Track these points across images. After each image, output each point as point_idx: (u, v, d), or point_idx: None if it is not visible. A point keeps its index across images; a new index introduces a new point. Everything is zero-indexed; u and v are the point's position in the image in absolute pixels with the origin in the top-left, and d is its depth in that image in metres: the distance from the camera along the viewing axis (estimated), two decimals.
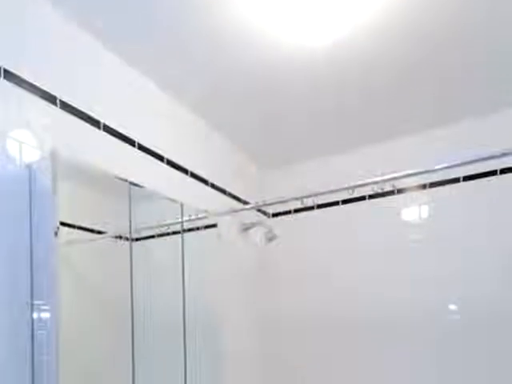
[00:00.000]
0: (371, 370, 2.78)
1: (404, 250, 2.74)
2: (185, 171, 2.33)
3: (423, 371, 2.61)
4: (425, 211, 2.72)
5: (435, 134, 2.69)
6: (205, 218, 2.24)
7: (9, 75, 1.45)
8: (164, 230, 1.98)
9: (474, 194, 2.56)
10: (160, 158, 2.15)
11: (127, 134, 1.95)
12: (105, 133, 1.83)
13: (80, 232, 1.51)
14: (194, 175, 2.41)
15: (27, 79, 1.51)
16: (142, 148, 2.03)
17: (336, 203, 2.98)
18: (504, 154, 1.80)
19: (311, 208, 3.03)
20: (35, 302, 1.41)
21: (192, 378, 2.01)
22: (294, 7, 1.68)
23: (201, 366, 2.11)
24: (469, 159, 1.87)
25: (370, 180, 2.12)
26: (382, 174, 2.13)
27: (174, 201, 2.04)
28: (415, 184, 2.68)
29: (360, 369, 2.82)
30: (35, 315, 1.41)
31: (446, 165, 1.93)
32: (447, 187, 2.63)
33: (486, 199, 2.53)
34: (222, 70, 2.09)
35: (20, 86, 1.48)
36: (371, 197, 2.81)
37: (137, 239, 1.77)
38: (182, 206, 2.08)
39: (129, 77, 2.02)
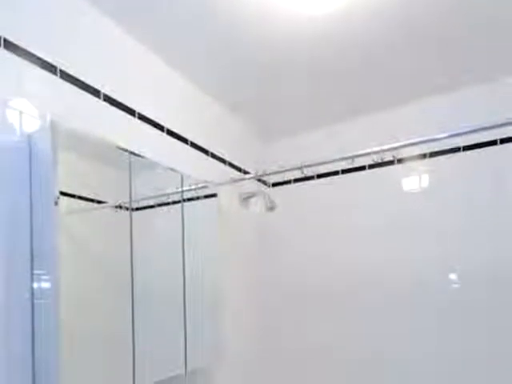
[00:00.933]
0: (371, 334, 2.82)
1: (404, 219, 2.76)
2: (185, 141, 2.33)
3: (423, 337, 2.65)
4: (425, 181, 2.73)
5: (436, 103, 2.68)
6: (205, 187, 2.25)
7: (9, 45, 1.44)
8: (164, 199, 1.99)
9: (475, 164, 2.56)
10: (160, 127, 2.15)
11: (127, 104, 1.95)
12: (105, 103, 1.83)
13: (80, 202, 1.52)
14: (194, 145, 2.41)
15: (27, 49, 1.50)
16: (142, 118, 2.03)
17: (336, 173, 2.99)
18: (504, 124, 1.80)
19: (311, 178, 3.04)
20: (35, 272, 1.42)
21: (192, 346, 2.05)
22: None
23: (201, 333, 2.14)
24: (469, 129, 1.86)
25: (369, 150, 2.12)
26: (382, 144, 2.12)
27: (174, 170, 2.05)
28: (415, 153, 2.68)
29: (360, 333, 2.86)
30: (35, 285, 1.42)
31: (446, 134, 1.92)
32: (448, 157, 2.63)
33: (486, 169, 2.53)
34: (220, 39, 2.07)
35: (20, 55, 1.48)
36: (371, 166, 2.81)
37: (137, 209, 1.77)
38: (182, 175, 2.09)
39: (129, 47, 2.01)
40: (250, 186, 2.95)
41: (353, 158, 2.16)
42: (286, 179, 3.18)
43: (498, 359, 2.43)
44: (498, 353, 2.44)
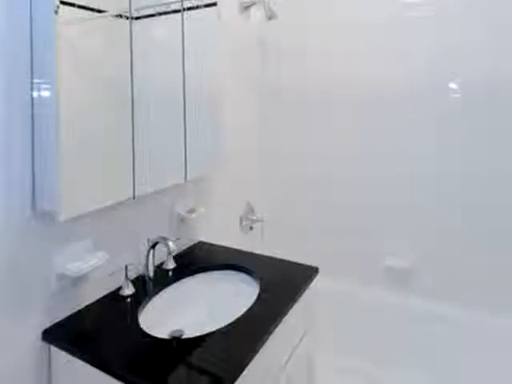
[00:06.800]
0: (370, 141, 2.90)
1: (404, 25, 2.72)
2: None
3: (423, 144, 2.72)
4: None
5: None
6: None
7: None
8: (164, 8, 1.96)
9: None
10: None
11: None
12: None
13: (80, 11, 1.50)
14: None
15: None
16: None
17: None
18: None
19: None
20: (35, 81, 1.42)
21: (192, 153, 2.13)
22: None
23: (201, 140, 2.22)
24: None
25: None
26: None
27: None
28: None
29: (358, 140, 2.95)
30: (35, 94, 1.42)
31: None
32: None
33: None
34: None
35: None
36: None
37: (137, 18, 1.77)
38: None
39: None
40: None
41: None
42: None
43: (497, 167, 2.52)
44: (497, 163, 2.52)
